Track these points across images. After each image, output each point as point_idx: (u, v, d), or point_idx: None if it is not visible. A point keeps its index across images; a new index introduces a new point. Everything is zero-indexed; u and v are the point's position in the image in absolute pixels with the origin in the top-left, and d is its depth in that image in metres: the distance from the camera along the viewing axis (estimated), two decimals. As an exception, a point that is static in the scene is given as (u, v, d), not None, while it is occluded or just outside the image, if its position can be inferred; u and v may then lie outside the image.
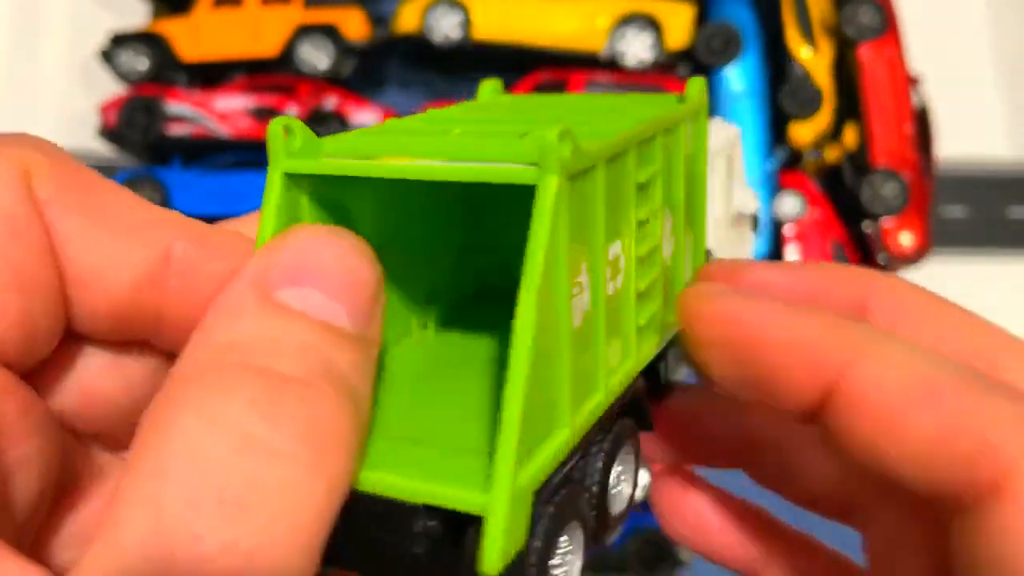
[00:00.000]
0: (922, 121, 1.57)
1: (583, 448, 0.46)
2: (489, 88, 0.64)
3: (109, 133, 1.61)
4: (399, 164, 0.45)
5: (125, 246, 0.39)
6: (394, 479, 0.39)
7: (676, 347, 0.57)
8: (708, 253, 0.57)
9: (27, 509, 0.37)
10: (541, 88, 1.56)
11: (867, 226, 1.56)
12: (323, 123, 1.58)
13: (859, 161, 1.54)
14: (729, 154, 0.62)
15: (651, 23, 1.55)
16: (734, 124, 0.63)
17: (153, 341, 0.41)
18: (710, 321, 0.49)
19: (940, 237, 1.64)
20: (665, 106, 0.57)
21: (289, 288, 0.35)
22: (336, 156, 0.47)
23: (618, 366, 0.49)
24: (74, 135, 1.72)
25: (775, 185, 1.56)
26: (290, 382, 0.32)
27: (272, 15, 1.63)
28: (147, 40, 1.63)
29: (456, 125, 0.51)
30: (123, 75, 1.64)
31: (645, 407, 0.54)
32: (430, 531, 0.39)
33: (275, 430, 0.30)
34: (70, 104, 1.76)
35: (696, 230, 0.59)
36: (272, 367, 0.32)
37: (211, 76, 1.66)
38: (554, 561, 0.42)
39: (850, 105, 1.56)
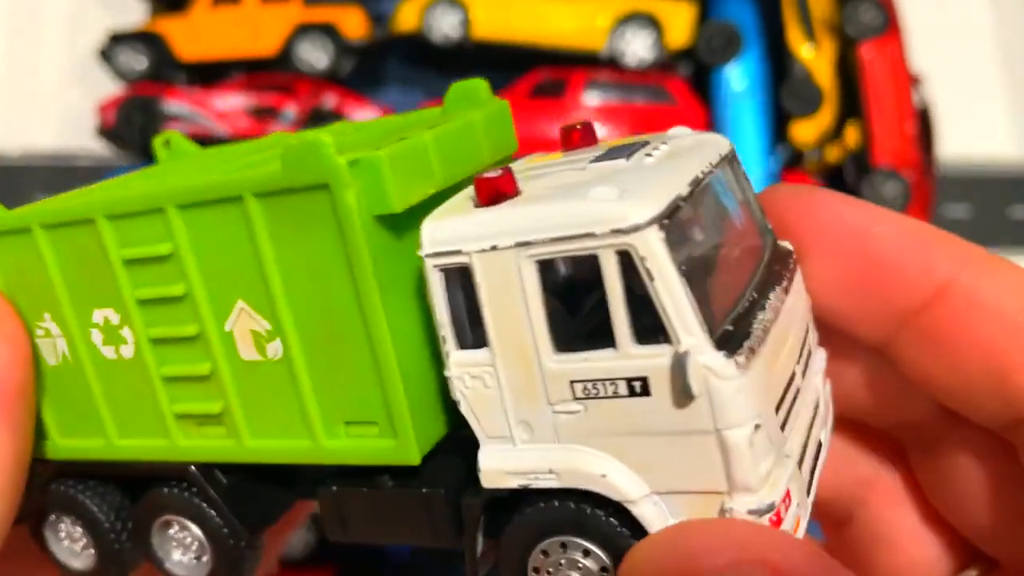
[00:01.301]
0: (924, 120, 1.56)
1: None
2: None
3: (107, 132, 1.60)
4: None
5: None
6: None
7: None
8: None
9: None
10: (541, 87, 1.56)
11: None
12: (322, 122, 1.57)
13: (860, 160, 1.53)
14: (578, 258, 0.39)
15: (651, 22, 1.54)
16: (631, 207, 0.38)
17: None
18: (815, 211, 0.46)
19: (942, 237, 1.62)
20: (231, 175, 0.46)
21: None
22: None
23: (146, 435, 0.53)
24: (72, 134, 1.72)
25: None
26: None
27: (271, 14, 1.62)
28: (145, 39, 1.63)
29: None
30: (121, 74, 1.63)
31: (216, 505, 0.53)
32: None
33: None
34: (68, 103, 1.75)
35: (362, 356, 0.43)
36: None
37: (210, 75, 1.65)
38: (50, 531, 0.58)
39: (851, 104, 1.55)
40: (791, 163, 1.58)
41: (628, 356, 0.38)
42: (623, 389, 0.38)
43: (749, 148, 1.55)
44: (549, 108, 1.51)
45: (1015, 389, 0.43)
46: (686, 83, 1.58)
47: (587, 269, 0.39)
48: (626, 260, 0.38)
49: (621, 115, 1.53)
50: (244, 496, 0.53)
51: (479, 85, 0.50)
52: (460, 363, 0.41)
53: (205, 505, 0.52)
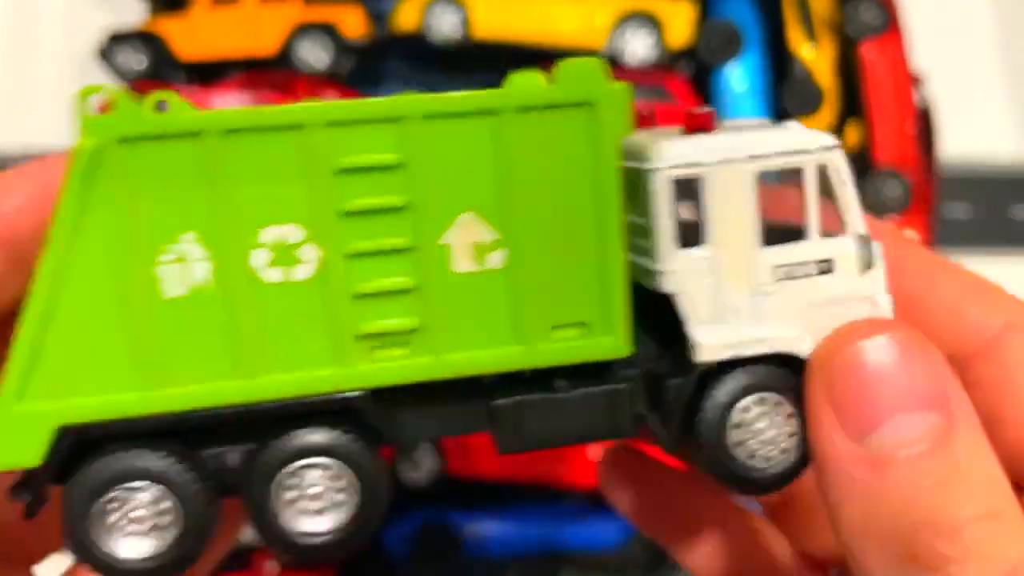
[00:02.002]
0: (925, 120, 1.56)
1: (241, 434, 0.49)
2: None
3: (106, 132, 1.60)
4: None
5: None
6: None
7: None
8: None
9: None
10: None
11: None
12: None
13: (861, 160, 1.53)
14: (796, 169, 0.51)
15: (652, 21, 1.54)
16: (819, 134, 0.52)
17: None
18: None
19: (943, 236, 1.63)
20: (490, 91, 0.49)
21: None
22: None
23: (301, 366, 0.48)
24: (72, 133, 1.71)
25: (777, 184, 1.55)
26: None
27: (270, 13, 1.62)
28: (145, 38, 1.63)
29: None
30: (120, 74, 1.63)
31: (383, 436, 0.50)
32: None
33: None
34: (67, 102, 1.75)
35: (589, 259, 0.50)
36: None
37: (209, 75, 1.65)
38: (104, 508, 0.47)
39: (852, 104, 1.55)
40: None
41: (818, 244, 0.51)
42: (814, 270, 0.51)
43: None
44: (549, 108, 1.51)
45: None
46: (686, 82, 1.57)
47: (784, 179, 0.52)
48: (821, 171, 0.51)
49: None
50: (398, 423, 0.50)
51: (595, 63, 0.52)
52: (680, 259, 0.50)
53: (356, 440, 0.49)
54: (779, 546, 0.64)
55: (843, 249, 0.51)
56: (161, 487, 0.47)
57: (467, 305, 0.49)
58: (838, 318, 0.49)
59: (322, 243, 0.47)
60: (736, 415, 0.51)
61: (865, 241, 0.52)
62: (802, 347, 0.50)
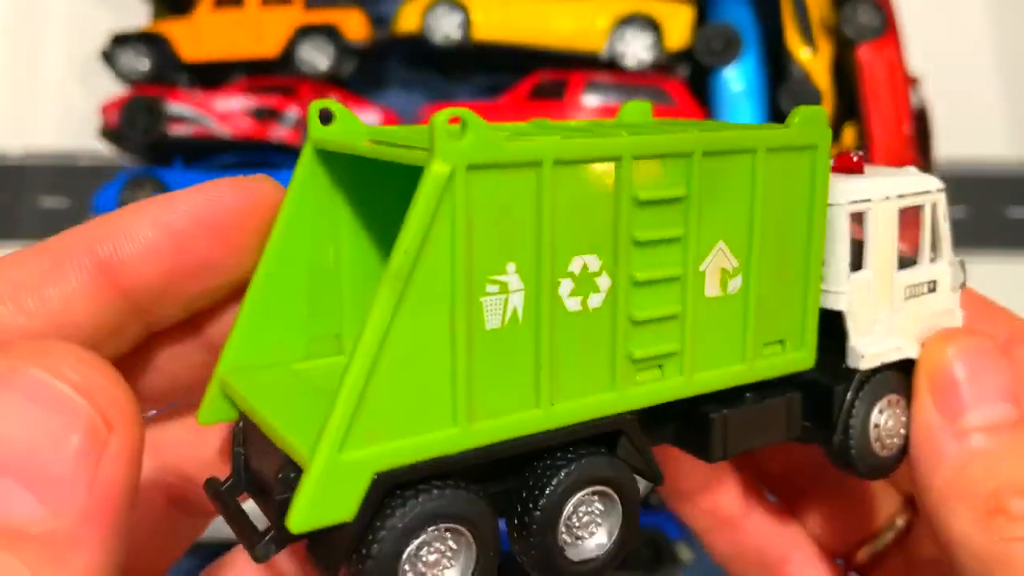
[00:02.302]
0: (921, 121, 1.57)
1: (527, 464, 0.48)
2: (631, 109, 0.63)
3: (110, 133, 1.61)
4: (362, 146, 0.49)
5: None
6: (277, 424, 0.45)
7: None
8: (840, 315, 0.56)
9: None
10: (540, 88, 1.56)
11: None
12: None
13: (858, 161, 1.54)
14: (910, 208, 0.59)
15: (651, 23, 1.55)
16: (934, 178, 0.62)
17: None
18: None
19: (939, 237, 1.63)
20: (749, 131, 0.53)
21: None
22: (372, 140, 0.49)
23: (586, 392, 0.48)
24: (75, 135, 1.73)
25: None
26: None
27: (272, 16, 1.63)
28: (148, 40, 1.64)
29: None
30: (124, 75, 1.64)
31: (647, 455, 0.51)
32: (290, 481, 0.42)
33: None
34: (70, 103, 1.76)
35: (797, 283, 0.55)
36: None
37: (212, 76, 1.66)
38: (409, 554, 0.43)
39: (849, 105, 1.56)
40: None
41: (927, 267, 0.60)
42: (925, 289, 0.59)
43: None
44: (549, 109, 1.53)
45: None
46: (685, 84, 1.59)
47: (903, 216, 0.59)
48: (932, 208, 0.60)
49: (620, 116, 1.54)
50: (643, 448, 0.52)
51: (822, 112, 0.55)
52: (851, 281, 0.56)
53: (625, 464, 0.49)
54: (795, 533, 0.70)
55: (943, 272, 0.61)
56: (463, 527, 0.45)
57: (712, 328, 0.52)
58: (934, 328, 0.59)
59: (613, 272, 0.48)
60: (875, 415, 0.58)
61: (958, 266, 0.61)
62: (914, 352, 0.58)
